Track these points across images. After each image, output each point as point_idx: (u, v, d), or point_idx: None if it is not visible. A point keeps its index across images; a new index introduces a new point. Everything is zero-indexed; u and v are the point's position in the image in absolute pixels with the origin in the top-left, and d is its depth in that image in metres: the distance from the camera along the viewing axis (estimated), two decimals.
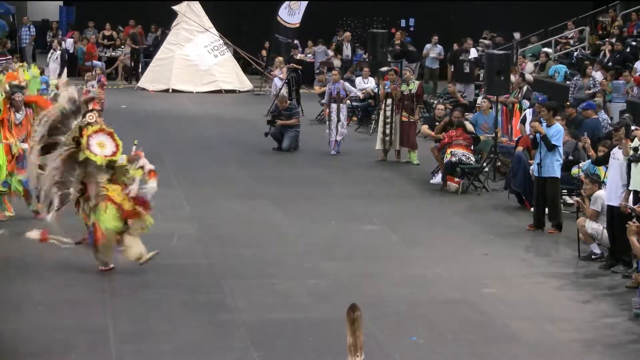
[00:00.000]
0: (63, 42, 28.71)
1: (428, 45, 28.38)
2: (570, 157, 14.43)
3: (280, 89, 22.89)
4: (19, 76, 13.38)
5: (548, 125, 13.16)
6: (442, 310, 10.03)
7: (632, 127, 12.29)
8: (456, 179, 15.77)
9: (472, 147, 16.06)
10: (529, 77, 20.72)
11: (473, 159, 15.94)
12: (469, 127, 16.49)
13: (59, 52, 26.82)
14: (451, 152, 15.79)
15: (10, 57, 25.59)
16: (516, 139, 16.38)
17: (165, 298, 10.16)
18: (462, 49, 25.83)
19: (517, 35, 29.01)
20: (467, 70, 24.65)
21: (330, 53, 29.70)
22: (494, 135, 16.46)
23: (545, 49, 25.91)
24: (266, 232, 13.00)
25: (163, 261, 11.43)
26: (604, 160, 12.36)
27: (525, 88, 19.00)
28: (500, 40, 28.09)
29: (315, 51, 29.93)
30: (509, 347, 9.14)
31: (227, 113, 24.13)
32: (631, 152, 11.12)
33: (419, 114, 18.58)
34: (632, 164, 11.15)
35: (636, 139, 11.36)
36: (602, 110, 17.42)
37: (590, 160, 13.40)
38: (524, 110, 17.60)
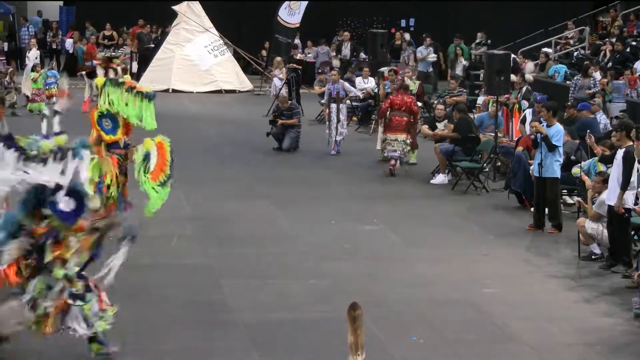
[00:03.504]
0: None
1: (422, 49, 27.79)
2: (573, 157, 14.43)
3: (280, 89, 22.90)
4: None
5: (548, 126, 13.16)
6: (442, 310, 10.03)
7: None
8: (391, 165, 16.75)
9: (411, 120, 16.87)
10: (529, 77, 20.70)
11: (407, 149, 16.85)
12: (409, 83, 17.64)
13: (38, 52, 26.80)
14: (387, 140, 16.82)
15: (4, 58, 25.60)
16: (516, 139, 16.39)
17: (165, 298, 10.16)
18: None
19: (407, 36, 29.02)
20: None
21: (333, 53, 29.67)
22: (494, 135, 16.46)
23: (545, 49, 25.90)
24: (266, 232, 13.00)
25: (163, 261, 11.46)
26: (610, 159, 12.33)
27: (524, 88, 18.98)
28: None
29: (318, 51, 29.87)
30: (509, 347, 9.15)
31: (228, 113, 24.14)
32: None
33: (419, 114, 18.57)
34: None
35: None
36: (601, 111, 17.42)
37: (592, 159, 13.39)
38: (523, 110, 17.61)
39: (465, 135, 16.37)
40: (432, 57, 27.48)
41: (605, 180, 11.95)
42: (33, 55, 26.21)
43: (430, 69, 27.34)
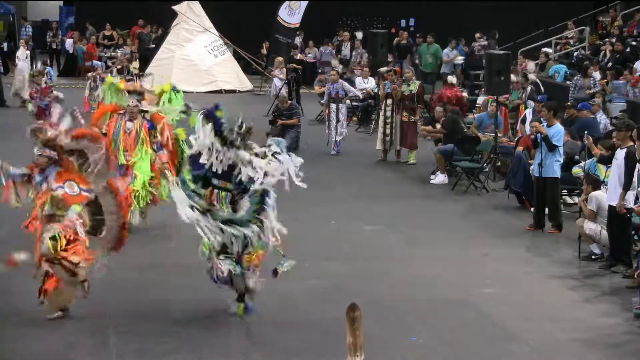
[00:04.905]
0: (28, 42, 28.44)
1: (447, 51, 27.40)
2: (577, 157, 14.44)
3: (280, 89, 22.90)
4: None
5: (548, 126, 13.16)
6: (442, 310, 10.04)
7: None
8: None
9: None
10: (532, 77, 20.65)
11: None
12: (451, 80, 18.99)
13: (28, 52, 26.76)
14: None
15: None
16: (516, 139, 16.39)
17: (166, 298, 10.16)
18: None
19: (359, 35, 29.03)
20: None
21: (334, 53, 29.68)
22: (494, 135, 16.46)
23: (545, 49, 25.88)
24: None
25: (163, 261, 11.46)
26: (609, 160, 12.34)
27: (529, 89, 18.92)
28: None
29: (322, 51, 29.83)
30: (509, 347, 9.15)
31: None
32: None
33: (419, 114, 18.58)
34: None
35: None
36: (601, 111, 17.41)
37: (592, 159, 13.41)
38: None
39: (451, 130, 16.67)
40: (460, 59, 27.26)
41: (590, 182, 11.99)
42: (22, 55, 26.19)
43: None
